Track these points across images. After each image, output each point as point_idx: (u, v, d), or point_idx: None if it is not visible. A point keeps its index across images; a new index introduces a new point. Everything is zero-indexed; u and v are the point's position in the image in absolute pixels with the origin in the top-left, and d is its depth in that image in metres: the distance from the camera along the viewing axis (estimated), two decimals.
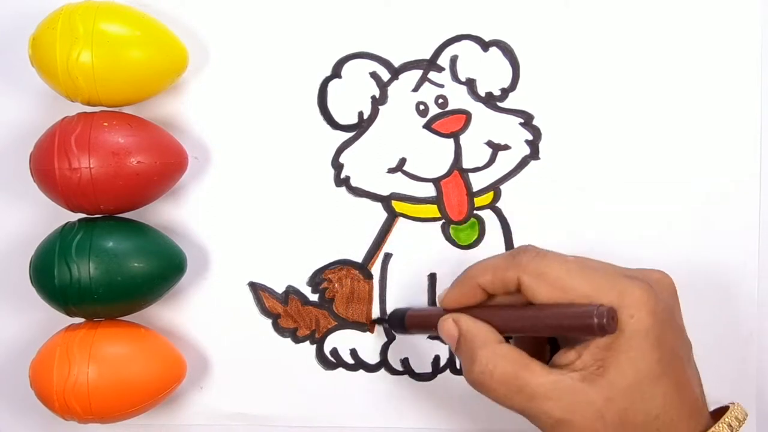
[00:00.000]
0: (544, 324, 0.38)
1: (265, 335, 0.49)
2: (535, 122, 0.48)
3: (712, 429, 0.37)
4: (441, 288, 0.48)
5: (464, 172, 0.48)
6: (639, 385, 0.36)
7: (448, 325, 0.41)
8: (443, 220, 0.48)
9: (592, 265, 0.39)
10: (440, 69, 0.48)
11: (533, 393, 0.37)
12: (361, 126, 0.49)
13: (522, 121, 0.48)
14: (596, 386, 0.36)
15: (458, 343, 0.40)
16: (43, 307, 0.45)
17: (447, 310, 0.42)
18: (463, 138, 0.48)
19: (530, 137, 0.48)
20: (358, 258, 0.49)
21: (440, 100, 0.48)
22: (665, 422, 0.36)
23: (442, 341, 0.42)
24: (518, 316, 0.39)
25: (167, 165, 0.45)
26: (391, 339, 0.49)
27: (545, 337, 0.42)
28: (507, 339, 0.40)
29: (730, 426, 0.38)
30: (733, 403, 0.40)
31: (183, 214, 0.49)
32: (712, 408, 0.39)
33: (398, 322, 0.46)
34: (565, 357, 0.38)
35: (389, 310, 0.49)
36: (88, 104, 0.45)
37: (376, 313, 0.49)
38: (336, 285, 0.49)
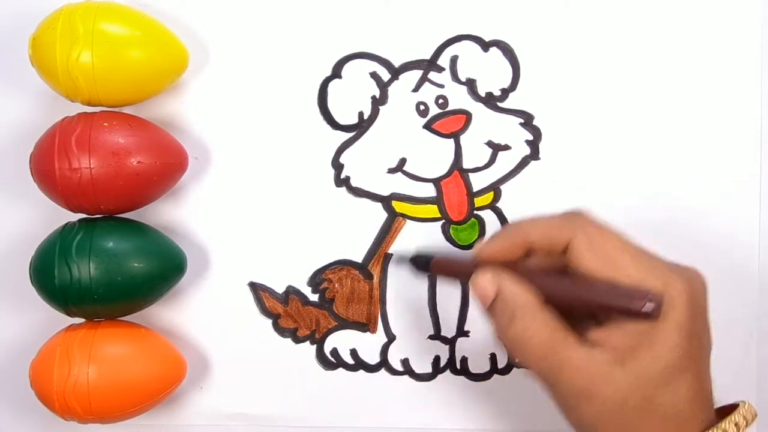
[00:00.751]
0: (590, 299, 0.37)
1: (265, 335, 0.49)
2: (535, 122, 0.48)
3: (720, 425, 0.37)
4: (441, 288, 0.48)
5: (464, 172, 0.48)
6: (666, 374, 0.36)
7: (485, 281, 0.39)
8: (443, 220, 0.48)
9: (642, 250, 0.38)
10: (440, 69, 0.48)
11: (562, 362, 0.37)
12: (361, 126, 0.49)
13: (522, 121, 0.48)
14: (624, 369, 0.36)
15: (494, 303, 0.39)
16: (43, 307, 0.45)
17: (478, 263, 0.40)
18: (463, 138, 0.48)
19: (530, 137, 0.48)
20: (359, 258, 0.49)
21: (440, 101, 0.48)
22: (683, 413, 0.37)
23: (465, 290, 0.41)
24: (563, 286, 0.38)
25: (167, 165, 0.45)
26: (391, 339, 0.49)
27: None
28: None
29: (737, 425, 0.38)
30: (744, 402, 0.40)
31: (183, 214, 0.49)
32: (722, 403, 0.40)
33: (423, 264, 0.43)
34: (595, 334, 0.37)
35: (390, 310, 0.49)
36: (89, 104, 0.45)
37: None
38: (336, 285, 0.49)
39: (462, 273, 0.41)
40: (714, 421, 0.38)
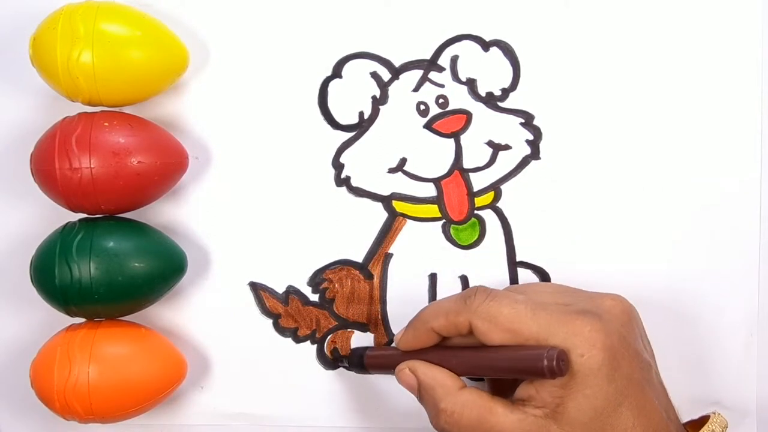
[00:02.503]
0: (498, 366, 0.39)
1: (265, 335, 0.49)
2: (535, 122, 0.48)
3: None
4: (441, 288, 0.48)
5: (465, 172, 0.48)
6: (599, 419, 0.37)
7: (405, 375, 0.42)
8: (444, 220, 0.48)
9: (543, 304, 0.39)
10: (441, 69, 0.48)
11: None
12: (361, 126, 0.49)
13: (522, 121, 0.48)
14: (559, 422, 0.37)
15: (419, 392, 0.41)
16: (43, 307, 0.45)
17: (406, 352, 0.43)
18: (463, 138, 0.48)
19: (531, 137, 0.48)
20: (359, 258, 0.49)
21: (441, 100, 0.48)
22: None
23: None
24: (473, 358, 0.40)
25: (168, 165, 0.45)
26: (391, 339, 0.49)
27: None
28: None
29: None
30: (714, 413, 0.40)
31: (183, 214, 0.49)
32: (697, 415, 0.40)
33: (357, 362, 0.46)
34: (525, 391, 0.38)
35: (390, 310, 0.49)
36: (89, 104, 0.45)
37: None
38: (336, 285, 0.49)
39: (391, 365, 0.43)
40: None
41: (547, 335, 0.37)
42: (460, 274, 0.48)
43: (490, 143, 0.48)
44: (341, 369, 0.49)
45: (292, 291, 0.49)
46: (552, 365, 0.36)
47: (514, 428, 0.37)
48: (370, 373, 0.47)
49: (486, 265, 0.48)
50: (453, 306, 0.41)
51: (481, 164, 0.48)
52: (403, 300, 0.49)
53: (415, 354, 0.42)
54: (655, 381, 0.40)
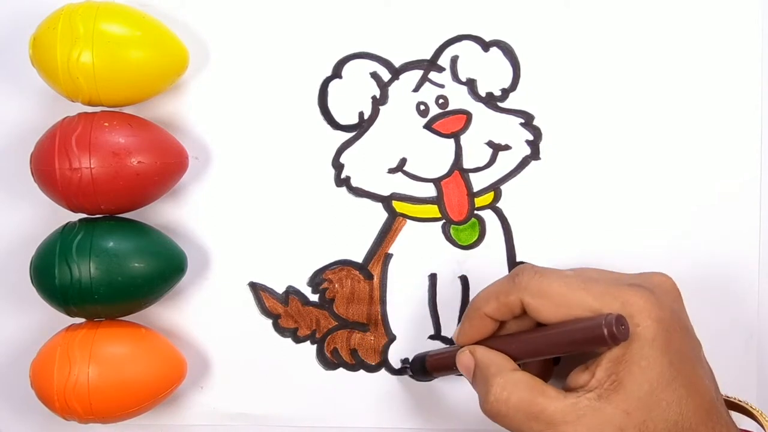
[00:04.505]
0: (557, 343, 0.38)
1: (265, 335, 0.49)
2: (535, 122, 0.48)
3: None
4: (441, 288, 0.48)
5: (465, 172, 0.48)
6: (654, 393, 0.36)
7: (464, 356, 0.41)
8: (444, 221, 0.48)
9: (592, 276, 0.39)
10: (441, 69, 0.48)
11: (551, 418, 0.37)
12: (361, 126, 0.49)
13: (522, 121, 0.48)
14: (613, 402, 0.36)
15: (474, 374, 0.40)
16: (43, 307, 0.45)
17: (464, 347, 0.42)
18: (463, 138, 0.48)
19: (531, 137, 0.48)
20: (359, 258, 0.49)
21: (441, 100, 0.48)
22: (684, 426, 0.36)
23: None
24: (530, 340, 0.39)
25: (167, 165, 0.45)
26: (391, 339, 0.49)
27: (551, 361, 0.43)
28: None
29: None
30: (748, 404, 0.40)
31: (183, 214, 0.49)
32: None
33: (420, 368, 0.46)
34: (578, 378, 0.37)
35: (390, 310, 0.49)
36: (89, 104, 0.45)
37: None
38: (336, 285, 0.49)
39: (454, 363, 0.43)
40: (728, 423, 0.37)
41: (600, 306, 0.37)
42: (460, 275, 0.48)
43: (490, 143, 0.48)
44: (341, 369, 0.49)
45: (291, 291, 0.49)
46: (612, 331, 0.35)
47: (566, 412, 0.36)
48: (435, 378, 0.47)
49: (486, 266, 0.48)
50: (502, 287, 0.40)
51: (481, 164, 0.48)
52: (403, 300, 0.49)
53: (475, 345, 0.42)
54: (704, 361, 0.39)
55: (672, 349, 0.37)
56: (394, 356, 0.49)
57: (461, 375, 0.42)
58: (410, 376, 0.48)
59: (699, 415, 0.36)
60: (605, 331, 0.35)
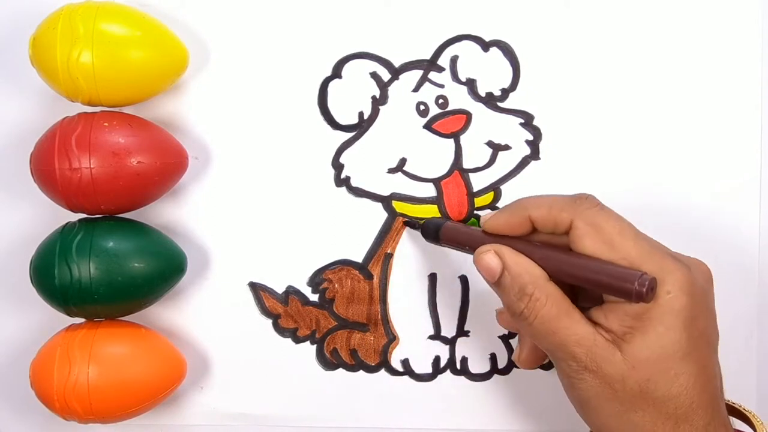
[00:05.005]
0: (584, 275, 0.38)
1: (265, 335, 0.49)
2: (535, 122, 0.48)
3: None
4: (441, 288, 0.48)
5: (464, 172, 0.48)
6: (665, 360, 0.36)
7: (488, 257, 0.40)
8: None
9: (643, 235, 0.39)
10: (440, 69, 0.48)
11: (566, 338, 0.38)
12: (361, 126, 0.49)
13: (522, 121, 0.48)
14: (621, 351, 0.37)
15: (501, 276, 0.40)
16: (43, 307, 0.45)
17: (487, 234, 0.42)
18: (463, 138, 0.48)
19: (530, 137, 0.48)
20: (359, 258, 0.49)
21: (440, 101, 0.48)
22: (683, 403, 0.37)
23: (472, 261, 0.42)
24: (561, 260, 0.39)
25: (167, 165, 0.45)
26: (391, 339, 0.49)
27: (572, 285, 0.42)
28: None
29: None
30: (750, 412, 0.40)
31: (183, 214, 0.49)
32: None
33: (432, 231, 0.46)
34: (594, 314, 0.38)
35: (389, 310, 0.49)
36: (89, 104, 0.45)
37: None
38: (336, 285, 0.49)
39: (469, 244, 0.42)
40: (725, 421, 0.38)
41: (641, 262, 0.37)
42: (459, 275, 0.48)
43: (489, 143, 0.48)
44: (341, 369, 0.49)
45: (291, 291, 0.49)
46: (641, 290, 0.36)
47: (585, 337, 0.37)
48: (440, 245, 0.46)
49: None
50: (559, 201, 0.40)
51: (481, 164, 0.48)
52: (403, 300, 0.49)
53: (498, 239, 0.41)
54: (717, 355, 0.39)
55: (694, 326, 0.37)
56: (394, 356, 0.49)
57: (469, 253, 0.42)
58: (416, 230, 0.48)
59: (702, 398, 0.37)
60: (635, 286, 0.36)
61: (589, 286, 0.38)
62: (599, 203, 0.40)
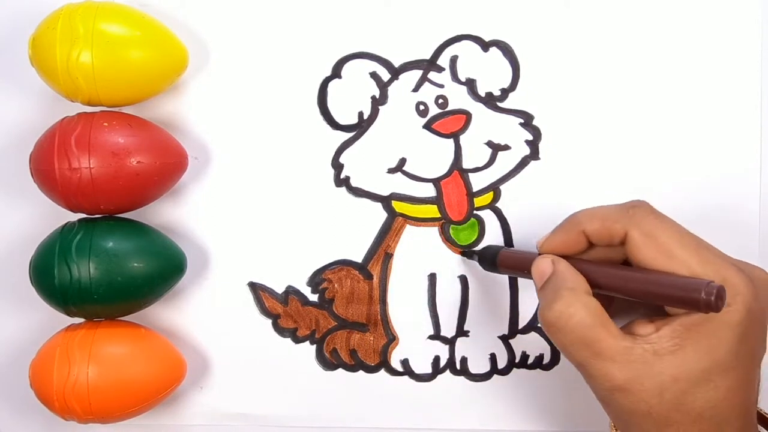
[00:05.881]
0: (646, 289, 0.37)
1: (265, 335, 0.49)
2: (535, 122, 0.48)
3: None
4: (441, 288, 0.48)
5: (464, 172, 0.48)
6: (709, 371, 0.35)
7: (544, 262, 0.40)
8: (443, 220, 0.48)
9: (703, 243, 0.38)
10: (440, 69, 0.48)
11: (600, 351, 0.36)
12: (361, 126, 0.49)
13: (522, 121, 0.48)
14: (666, 362, 0.36)
15: (547, 281, 0.39)
16: (43, 307, 0.45)
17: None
18: (463, 138, 0.48)
19: (530, 137, 0.48)
20: (358, 258, 0.49)
21: (440, 100, 0.48)
22: (719, 414, 0.36)
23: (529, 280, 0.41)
24: (619, 276, 0.38)
25: (167, 165, 0.45)
26: (390, 339, 0.49)
27: (612, 300, 0.41)
28: None
29: None
30: None
31: (183, 214, 0.49)
32: None
33: (490, 259, 0.45)
34: (640, 327, 0.37)
35: (389, 310, 0.49)
36: (88, 104, 0.45)
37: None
38: (336, 285, 0.49)
39: (528, 267, 0.41)
40: (753, 425, 0.37)
41: (702, 272, 0.36)
42: (459, 275, 0.48)
43: (489, 143, 0.48)
44: (340, 370, 0.49)
45: (291, 291, 0.49)
46: (710, 300, 0.34)
47: (617, 353, 0.36)
48: (498, 272, 0.46)
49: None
50: (612, 212, 0.39)
51: (481, 164, 0.48)
52: (403, 300, 0.49)
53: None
54: (759, 369, 0.39)
55: (747, 341, 0.36)
56: (394, 356, 0.49)
57: (528, 278, 0.41)
58: (475, 260, 0.47)
59: (737, 411, 0.36)
60: (703, 295, 0.34)
61: (653, 300, 0.37)
62: (653, 210, 0.39)
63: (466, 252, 0.48)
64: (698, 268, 0.36)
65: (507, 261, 0.44)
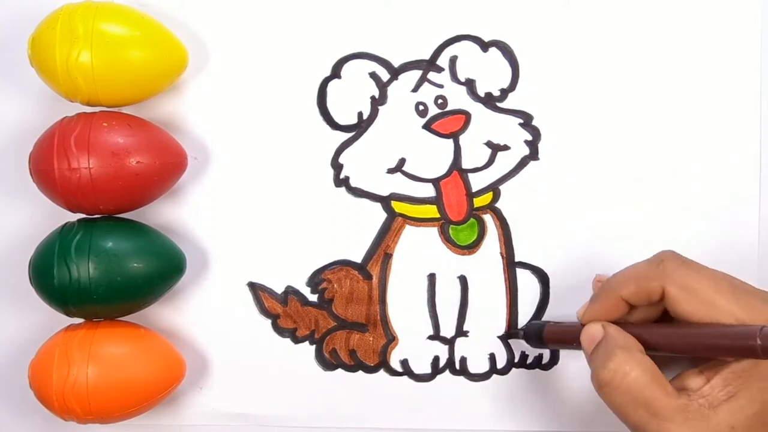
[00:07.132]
0: (698, 344, 0.37)
1: (264, 335, 0.49)
2: (534, 122, 0.48)
3: None
4: (440, 288, 0.48)
5: (464, 173, 0.48)
6: (762, 414, 0.35)
7: (594, 327, 0.40)
8: (443, 221, 0.48)
9: (739, 284, 0.38)
10: (440, 69, 0.48)
11: (658, 412, 0.36)
12: (360, 126, 0.49)
13: (521, 121, 0.48)
14: (721, 413, 0.36)
15: (598, 344, 0.39)
16: (42, 307, 0.45)
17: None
18: (462, 138, 0.48)
19: (530, 137, 0.48)
20: (358, 258, 0.49)
21: (440, 101, 0.48)
22: None
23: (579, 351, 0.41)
24: (668, 334, 0.38)
25: (167, 165, 0.45)
26: (390, 339, 0.49)
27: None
28: None
29: None
30: None
31: (183, 214, 0.49)
32: None
33: (536, 336, 0.46)
34: (691, 381, 0.37)
35: (389, 310, 0.49)
36: (88, 104, 0.45)
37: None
38: (335, 285, 0.49)
39: (576, 339, 0.41)
40: None
41: (747, 317, 0.36)
42: (458, 275, 0.48)
43: (488, 144, 0.48)
44: (340, 370, 0.49)
45: (290, 291, 0.49)
46: (767, 344, 0.34)
47: (675, 411, 0.36)
48: (547, 348, 0.46)
49: (485, 266, 0.48)
50: (644, 271, 0.39)
51: (480, 165, 0.48)
52: (402, 300, 0.49)
53: None
54: None
55: None
56: (393, 357, 0.49)
57: (578, 349, 0.41)
58: (521, 339, 0.47)
59: None
60: (758, 342, 0.34)
61: (707, 354, 0.37)
62: (681, 259, 0.38)
63: (511, 333, 0.48)
64: (743, 314, 0.36)
65: (554, 335, 0.45)
